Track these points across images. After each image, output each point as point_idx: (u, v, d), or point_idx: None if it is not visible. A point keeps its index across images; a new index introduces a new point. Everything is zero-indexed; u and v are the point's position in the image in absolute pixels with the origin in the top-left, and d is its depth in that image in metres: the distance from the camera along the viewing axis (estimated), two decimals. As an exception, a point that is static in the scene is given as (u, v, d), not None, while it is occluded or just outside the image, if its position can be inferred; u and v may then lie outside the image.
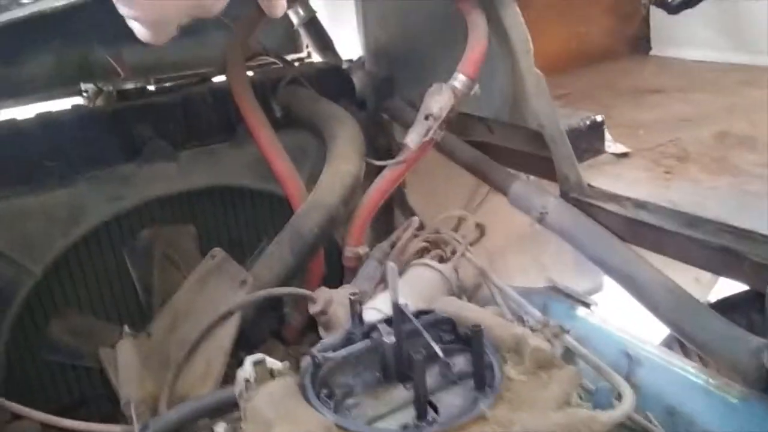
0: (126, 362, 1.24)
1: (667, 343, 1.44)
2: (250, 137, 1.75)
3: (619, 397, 0.95)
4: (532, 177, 1.83)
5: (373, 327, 0.95)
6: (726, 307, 1.38)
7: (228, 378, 1.33)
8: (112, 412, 1.38)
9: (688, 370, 1.10)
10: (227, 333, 1.35)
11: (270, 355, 0.90)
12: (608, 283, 1.95)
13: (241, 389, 0.89)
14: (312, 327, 1.62)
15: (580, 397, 0.90)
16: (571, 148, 1.57)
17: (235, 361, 1.33)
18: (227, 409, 1.07)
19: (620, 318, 1.38)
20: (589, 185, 1.54)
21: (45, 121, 1.64)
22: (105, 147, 1.69)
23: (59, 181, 1.61)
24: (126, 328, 1.38)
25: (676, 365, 1.11)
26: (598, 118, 1.67)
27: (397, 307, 0.88)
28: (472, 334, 0.84)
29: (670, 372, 1.11)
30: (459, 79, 1.53)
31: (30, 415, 1.17)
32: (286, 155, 1.70)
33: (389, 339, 0.89)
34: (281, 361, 0.90)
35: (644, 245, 1.46)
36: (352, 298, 0.97)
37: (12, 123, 1.63)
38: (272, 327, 1.69)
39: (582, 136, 1.65)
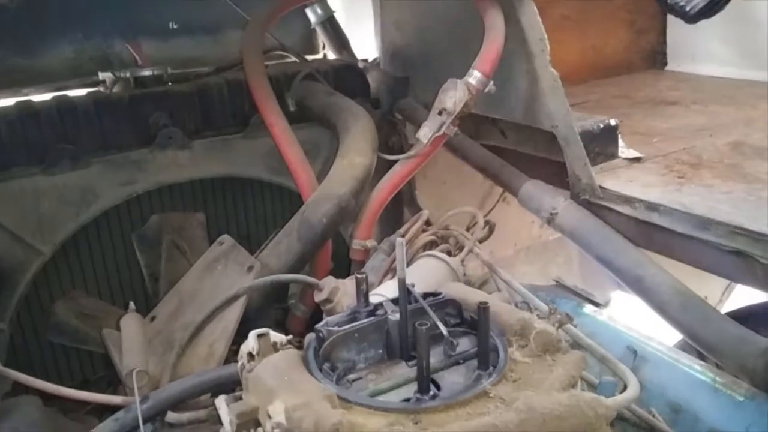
0: (130, 335, 1.24)
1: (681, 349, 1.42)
2: (264, 129, 1.76)
3: (624, 389, 0.94)
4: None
5: (378, 305, 0.94)
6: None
7: (230, 362, 1.33)
8: (113, 393, 1.37)
9: (694, 367, 1.08)
10: (232, 316, 1.35)
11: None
12: (616, 297, 1.95)
13: (244, 361, 0.89)
14: (317, 320, 1.62)
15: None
16: (584, 150, 1.57)
17: (237, 348, 1.33)
18: (229, 386, 1.06)
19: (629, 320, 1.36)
20: (600, 187, 1.54)
21: (61, 104, 1.66)
22: (120, 132, 1.70)
23: (73, 164, 1.62)
24: (132, 304, 1.38)
25: (683, 363, 1.10)
26: (612, 122, 1.67)
27: (403, 284, 0.88)
28: (479, 311, 0.83)
29: (676, 369, 1.09)
30: (474, 76, 1.53)
31: (32, 383, 1.17)
32: (299, 146, 1.70)
33: (394, 316, 0.89)
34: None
35: (655, 248, 1.45)
36: (358, 277, 0.97)
37: (28, 104, 1.64)
38: (277, 318, 1.69)
39: (595, 139, 1.64)
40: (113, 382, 1.52)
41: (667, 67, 2.75)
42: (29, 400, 1.22)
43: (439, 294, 0.98)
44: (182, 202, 1.78)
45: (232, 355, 1.37)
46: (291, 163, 1.69)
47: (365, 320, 0.91)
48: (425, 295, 0.96)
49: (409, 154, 1.64)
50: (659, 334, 1.33)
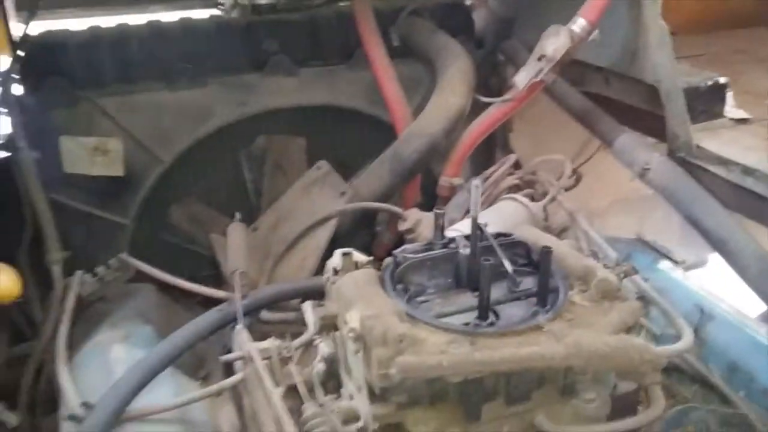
0: (235, 241, 1.40)
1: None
2: (367, 63, 1.83)
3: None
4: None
5: (452, 240, 1.02)
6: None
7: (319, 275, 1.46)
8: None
9: (759, 331, 1.10)
10: (323, 235, 1.48)
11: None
12: (713, 259, 1.91)
13: (329, 274, 1.00)
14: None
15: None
16: (687, 107, 1.53)
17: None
18: (315, 295, 1.19)
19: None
20: (698, 146, 1.51)
21: (185, 26, 1.80)
22: (235, 55, 1.83)
23: (192, 82, 1.77)
24: (237, 214, 1.53)
25: (748, 326, 1.11)
26: (721, 80, 1.61)
27: (475, 222, 0.95)
28: (542, 252, 0.90)
29: (740, 331, 1.11)
30: (578, 23, 1.51)
31: (151, 272, 1.36)
32: (398, 82, 1.77)
33: (465, 250, 0.97)
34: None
35: (746, 213, 1.42)
36: (437, 212, 1.05)
37: (155, 24, 1.79)
38: (364, 242, 1.81)
39: (701, 96, 1.60)
40: (218, 281, 1.71)
41: (801, 23, 2.54)
42: (148, 286, 1.41)
43: (511, 235, 1.04)
44: (287, 126, 1.90)
45: (321, 269, 1.50)
46: (389, 98, 1.76)
47: (438, 251, 1.00)
48: (497, 235, 1.03)
49: (504, 98, 1.66)
50: (746, 300, 1.33)
